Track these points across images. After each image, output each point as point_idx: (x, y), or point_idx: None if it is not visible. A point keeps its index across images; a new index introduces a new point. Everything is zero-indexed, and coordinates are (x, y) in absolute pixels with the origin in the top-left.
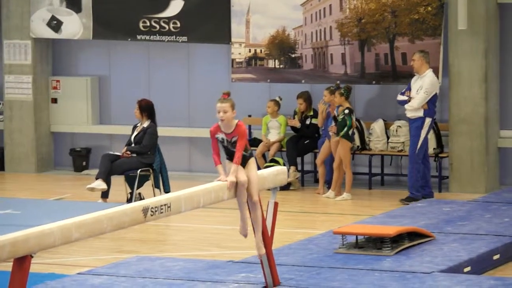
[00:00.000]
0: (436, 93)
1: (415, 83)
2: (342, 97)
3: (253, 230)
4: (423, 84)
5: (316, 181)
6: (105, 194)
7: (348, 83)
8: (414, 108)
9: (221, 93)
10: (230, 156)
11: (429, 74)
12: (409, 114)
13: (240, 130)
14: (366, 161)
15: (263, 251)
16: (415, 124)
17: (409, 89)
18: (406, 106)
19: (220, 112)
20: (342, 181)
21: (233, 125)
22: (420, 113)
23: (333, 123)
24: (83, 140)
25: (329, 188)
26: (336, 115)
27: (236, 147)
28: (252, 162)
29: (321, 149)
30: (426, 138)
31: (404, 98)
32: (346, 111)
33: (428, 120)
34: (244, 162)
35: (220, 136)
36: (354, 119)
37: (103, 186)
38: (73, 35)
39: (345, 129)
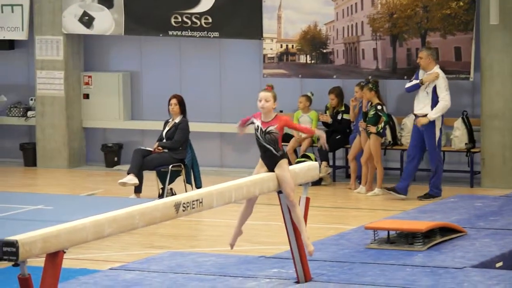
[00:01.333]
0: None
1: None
2: (372, 92)
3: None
4: (437, 83)
5: (348, 176)
6: (138, 189)
7: (380, 78)
8: (442, 111)
9: (264, 86)
10: (264, 154)
11: (437, 70)
12: (417, 111)
13: (280, 119)
14: (398, 156)
15: (312, 247)
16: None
17: (417, 78)
18: (433, 114)
19: (262, 100)
20: (373, 176)
21: (272, 115)
22: (428, 111)
23: (362, 118)
24: (114, 135)
25: (360, 183)
26: (367, 110)
27: (296, 128)
28: (284, 162)
29: (352, 144)
30: (440, 134)
31: (414, 82)
32: (379, 107)
33: (439, 118)
34: (274, 163)
35: (256, 122)
36: (386, 113)
37: (135, 181)
38: (105, 31)
39: (382, 124)
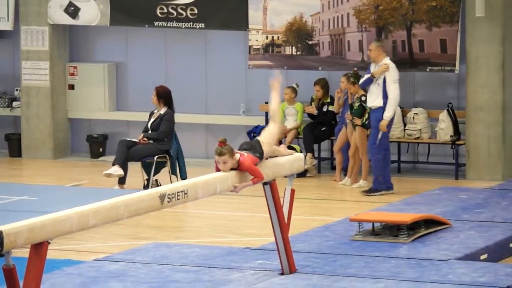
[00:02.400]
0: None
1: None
2: (356, 85)
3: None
4: (386, 75)
5: (333, 168)
6: (122, 180)
7: (365, 70)
8: (395, 105)
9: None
10: None
11: (387, 61)
12: (370, 104)
13: (241, 164)
14: None
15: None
16: (376, 115)
17: (369, 72)
18: (387, 114)
19: (220, 163)
20: (358, 169)
21: (235, 166)
22: (380, 103)
23: (348, 110)
24: (100, 126)
25: (345, 175)
26: (352, 102)
27: (252, 174)
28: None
29: (338, 136)
30: (389, 131)
31: (366, 77)
32: (363, 98)
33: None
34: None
35: None
36: None
37: (120, 172)
38: (91, 22)
39: (366, 115)
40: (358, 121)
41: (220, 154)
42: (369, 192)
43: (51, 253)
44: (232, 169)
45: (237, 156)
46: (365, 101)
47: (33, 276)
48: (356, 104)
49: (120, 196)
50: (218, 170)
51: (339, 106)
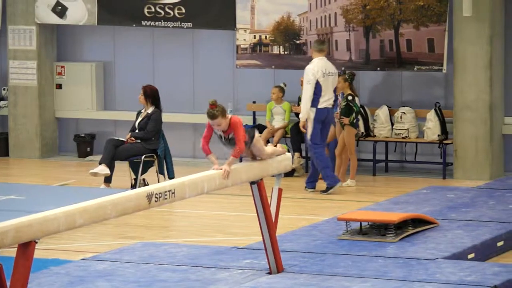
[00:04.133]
0: (318, 82)
1: None
2: (346, 83)
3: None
4: (304, 76)
5: None
6: (108, 179)
7: (353, 69)
8: (306, 106)
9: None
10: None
11: (313, 61)
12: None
13: (233, 124)
14: (371, 147)
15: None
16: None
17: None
18: (301, 115)
19: (214, 126)
20: (346, 168)
21: (227, 124)
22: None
23: (338, 109)
24: (87, 126)
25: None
26: (340, 101)
27: (235, 141)
28: (256, 142)
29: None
30: (315, 128)
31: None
32: (350, 98)
33: (312, 110)
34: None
35: (218, 132)
36: (358, 104)
37: (106, 171)
38: (78, 21)
39: (353, 114)
40: (346, 120)
41: (213, 117)
42: (326, 190)
43: (38, 253)
44: (223, 131)
45: (229, 116)
46: (351, 101)
47: (20, 276)
48: (343, 104)
49: (108, 196)
50: (208, 133)
51: None
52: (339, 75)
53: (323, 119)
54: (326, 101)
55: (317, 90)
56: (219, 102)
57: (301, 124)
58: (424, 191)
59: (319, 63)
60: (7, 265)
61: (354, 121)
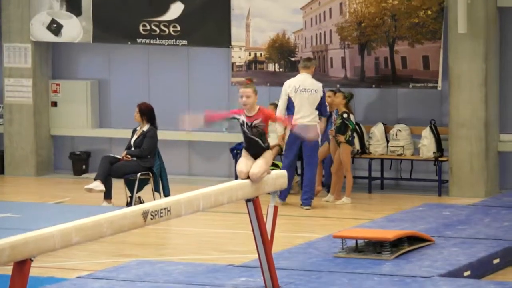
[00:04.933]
0: (289, 97)
1: None
2: (344, 100)
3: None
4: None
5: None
6: (108, 196)
7: (348, 87)
8: (280, 120)
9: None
10: (248, 145)
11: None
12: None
13: (264, 112)
14: (366, 165)
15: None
16: None
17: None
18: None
19: (243, 96)
20: (342, 185)
21: (255, 109)
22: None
23: (333, 126)
24: (82, 143)
25: (328, 191)
26: (335, 118)
27: (272, 119)
28: (267, 153)
29: (320, 150)
30: (287, 145)
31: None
32: (345, 115)
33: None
34: (259, 154)
35: (241, 118)
36: (354, 122)
37: (101, 187)
38: (73, 39)
39: (349, 132)
40: (341, 138)
41: (246, 86)
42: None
43: (34, 271)
44: (248, 117)
45: (257, 100)
46: (347, 118)
47: None
48: (338, 121)
49: (103, 213)
50: (224, 114)
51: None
52: (334, 92)
53: (297, 136)
54: (300, 117)
55: (290, 106)
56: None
57: (278, 140)
58: (420, 209)
59: (295, 79)
60: (2, 283)
61: (350, 138)
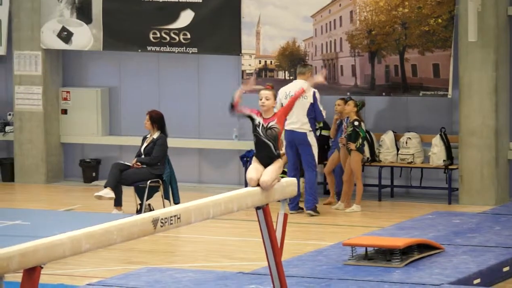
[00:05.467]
0: (282, 104)
1: None
2: (355, 108)
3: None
4: None
5: (326, 192)
6: (118, 203)
7: (358, 94)
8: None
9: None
10: (260, 150)
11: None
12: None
13: (279, 114)
14: (376, 173)
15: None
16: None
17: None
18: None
19: (262, 98)
20: (352, 193)
21: (271, 113)
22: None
23: (343, 134)
24: (93, 151)
25: (338, 199)
26: (345, 126)
27: (292, 102)
28: (278, 162)
29: (330, 158)
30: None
31: None
32: (356, 123)
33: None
34: (270, 161)
35: (257, 119)
36: (364, 130)
37: (111, 194)
38: (83, 46)
39: (360, 140)
40: (352, 146)
41: (266, 89)
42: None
43: (44, 278)
44: (264, 119)
45: (275, 105)
46: (358, 126)
47: None
48: (349, 129)
49: (113, 221)
50: (245, 109)
51: (335, 131)
52: (344, 100)
53: (289, 140)
54: (291, 123)
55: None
56: (225, 127)
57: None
58: (430, 216)
59: (288, 85)
60: None
61: (360, 146)
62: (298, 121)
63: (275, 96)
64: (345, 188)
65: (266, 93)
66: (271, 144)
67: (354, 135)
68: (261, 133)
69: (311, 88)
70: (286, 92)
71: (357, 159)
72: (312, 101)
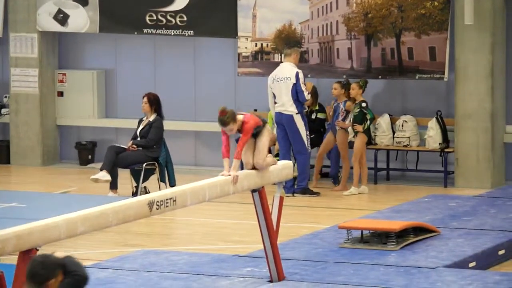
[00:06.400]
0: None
1: None
2: (360, 90)
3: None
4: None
5: (323, 175)
6: (113, 186)
7: (355, 77)
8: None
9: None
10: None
11: None
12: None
13: (244, 127)
14: (372, 156)
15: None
16: None
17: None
18: None
19: (227, 132)
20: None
21: (240, 126)
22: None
23: (340, 117)
24: (89, 133)
25: (334, 183)
26: (343, 109)
27: (238, 143)
28: (265, 130)
29: (323, 142)
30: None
31: None
32: (364, 104)
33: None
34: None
35: (235, 136)
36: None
37: (107, 177)
38: (80, 29)
39: (368, 122)
40: (359, 128)
41: (224, 124)
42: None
43: None
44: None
45: (240, 117)
46: (366, 107)
47: (21, 283)
48: (356, 110)
49: (109, 203)
50: (225, 138)
51: (331, 115)
52: (342, 84)
53: (277, 121)
54: (279, 106)
55: (274, 95)
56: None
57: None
58: (426, 200)
59: (276, 70)
60: (8, 272)
61: (367, 128)
62: (284, 104)
63: (234, 118)
64: (356, 170)
65: (226, 129)
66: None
67: (360, 116)
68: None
69: (295, 69)
70: (273, 76)
71: (363, 141)
72: (294, 81)
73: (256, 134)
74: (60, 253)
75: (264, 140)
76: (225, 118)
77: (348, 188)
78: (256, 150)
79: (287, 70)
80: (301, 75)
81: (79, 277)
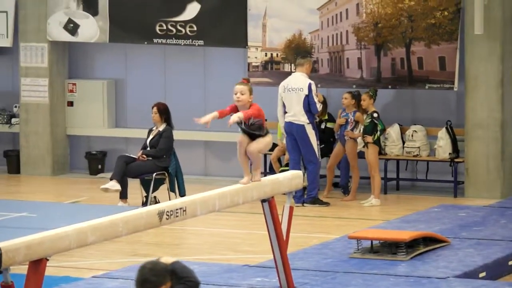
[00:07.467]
0: (281, 97)
1: None
2: (371, 100)
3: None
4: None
5: (333, 185)
6: (123, 195)
7: (364, 87)
8: (278, 116)
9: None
10: (249, 136)
11: None
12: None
13: (251, 106)
14: (382, 165)
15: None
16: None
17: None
18: None
19: (237, 93)
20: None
21: (248, 106)
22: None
23: (349, 127)
24: (98, 143)
25: (344, 193)
26: (352, 119)
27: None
28: (267, 137)
29: (333, 153)
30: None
31: None
32: (375, 115)
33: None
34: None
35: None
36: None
37: (117, 187)
38: (90, 38)
39: (378, 133)
40: (369, 139)
41: (241, 84)
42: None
43: (50, 270)
44: (244, 116)
45: (251, 100)
46: (377, 118)
47: None
48: (367, 120)
49: (119, 213)
50: (233, 107)
51: (339, 125)
52: (352, 94)
53: (288, 131)
54: (290, 116)
55: (285, 105)
56: (230, 119)
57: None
58: (435, 210)
59: (287, 78)
60: (18, 282)
61: (377, 139)
62: (295, 114)
63: (250, 91)
64: (377, 181)
65: (241, 87)
66: (257, 133)
67: (371, 127)
68: (245, 128)
69: (307, 80)
70: (284, 86)
71: (375, 152)
72: (307, 93)
73: (255, 135)
74: (167, 258)
75: (267, 140)
76: (246, 83)
77: (356, 198)
78: (256, 142)
79: (299, 80)
80: (313, 87)
81: (191, 283)
